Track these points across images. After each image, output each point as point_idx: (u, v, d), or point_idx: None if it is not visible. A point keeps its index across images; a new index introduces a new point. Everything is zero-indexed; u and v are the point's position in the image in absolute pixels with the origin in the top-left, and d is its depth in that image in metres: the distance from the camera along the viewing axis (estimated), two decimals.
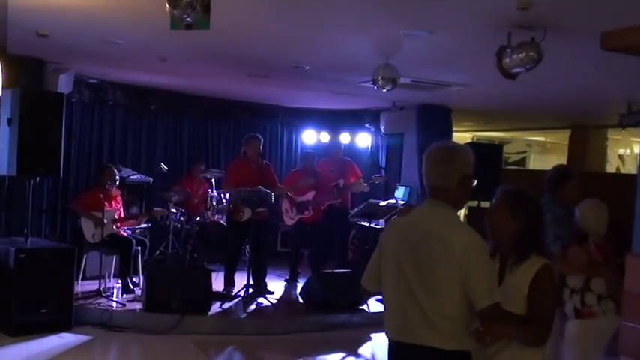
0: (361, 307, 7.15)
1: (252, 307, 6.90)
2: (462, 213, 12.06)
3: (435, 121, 9.36)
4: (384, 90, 5.91)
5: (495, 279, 2.59)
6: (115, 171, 7.49)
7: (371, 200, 8.23)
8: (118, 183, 7.50)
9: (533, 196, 2.80)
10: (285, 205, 8.28)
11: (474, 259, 2.48)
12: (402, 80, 6.05)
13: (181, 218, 8.25)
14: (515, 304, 2.63)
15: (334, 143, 9.64)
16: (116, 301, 6.77)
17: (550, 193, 4.44)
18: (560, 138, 12.93)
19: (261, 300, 7.05)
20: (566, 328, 4.20)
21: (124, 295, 7.04)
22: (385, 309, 2.77)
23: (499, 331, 2.56)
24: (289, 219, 8.34)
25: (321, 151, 9.44)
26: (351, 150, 10.02)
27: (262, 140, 7.63)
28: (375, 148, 10.67)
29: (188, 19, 3.76)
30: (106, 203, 7.15)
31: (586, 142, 11.27)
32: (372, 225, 8.45)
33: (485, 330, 2.49)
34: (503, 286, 2.68)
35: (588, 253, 4.18)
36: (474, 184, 2.64)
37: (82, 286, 7.02)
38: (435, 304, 2.52)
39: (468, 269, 2.46)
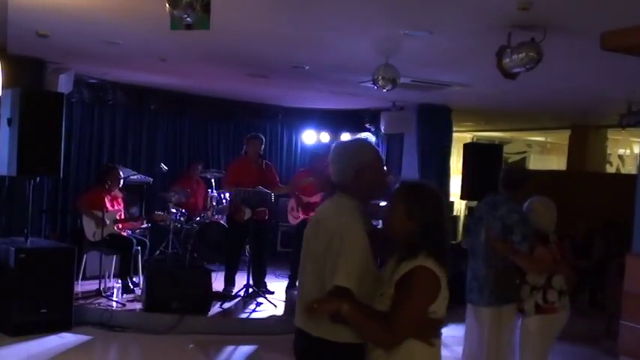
0: None
1: (252, 307, 6.90)
2: (462, 213, 12.11)
3: (435, 121, 9.36)
4: (384, 90, 5.91)
5: (356, 267, 2.48)
6: (121, 173, 7.51)
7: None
8: (121, 184, 7.53)
9: (434, 192, 2.55)
10: (291, 203, 8.25)
11: (339, 241, 2.51)
12: (402, 80, 6.05)
13: (181, 218, 8.25)
14: (385, 302, 2.49)
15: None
16: (116, 301, 6.77)
17: (511, 192, 4.42)
18: (560, 138, 12.94)
19: (261, 300, 7.05)
20: (524, 325, 4.29)
21: (124, 295, 7.05)
22: None
23: (328, 304, 2.43)
24: (293, 218, 8.32)
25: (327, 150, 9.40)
26: None
27: (264, 140, 7.63)
28: None
29: (188, 19, 3.76)
30: (108, 203, 7.16)
31: (586, 142, 11.28)
32: None
33: (317, 300, 2.44)
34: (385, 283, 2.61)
35: (551, 251, 4.28)
36: (378, 172, 2.66)
37: (82, 286, 7.02)
38: (308, 289, 2.63)
39: (332, 251, 2.51)
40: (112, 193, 7.39)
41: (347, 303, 2.41)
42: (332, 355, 2.58)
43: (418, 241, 2.46)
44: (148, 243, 7.78)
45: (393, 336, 2.41)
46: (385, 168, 2.84)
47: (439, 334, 2.52)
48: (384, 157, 9.59)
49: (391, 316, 2.41)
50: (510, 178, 4.48)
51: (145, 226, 8.25)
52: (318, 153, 8.90)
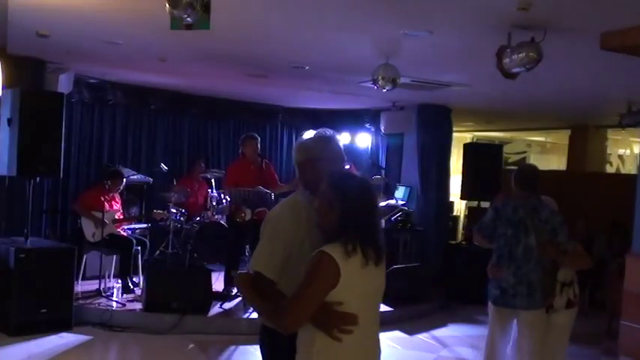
0: None
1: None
2: (462, 213, 12.10)
3: (435, 121, 9.36)
4: (384, 90, 5.91)
5: (271, 254, 2.56)
6: (124, 180, 7.52)
7: None
8: (121, 189, 7.54)
9: (359, 184, 2.52)
10: None
11: (263, 229, 2.67)
12: (402, 80, 6.06)
13: (181, 218, 8.25)
14: None
15: None
16: (116, 301, 6.77)
17: (536, 191, 4.39)
18: (560, 138, 12.94)
19: None
20: (555, 320, 4.36)
21: (124, 295, 7.05)
22: None
23: (244, 284, 2.60)
24: None
25: None
26: (351, 150, 10.01)
27: (259, 139, 7.62)
28: (375, 148, 10.67)
29: (188, 19, 3.76)
30: (106, 204, 7.16)
31: (586, 142, 11.28)
32: None
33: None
34: None
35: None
36: (319, 167, 2.68)
37: (82, 286, 7.02)
38: None
39: None
40: (110, 194, 7.39)
41: (247, 288, 2.54)
42: (270, 341, 2.63)
43: (336, 231, 2.42)
44: (147, 243, 7.78)
45: (285, 319, 2.36)
46: (343, 164, 2.85)
47: (351, 331, 2.36)
48: (384, 157, 9.53)
49: (288, 299, 2.40)
50: (535, 179, 4.44)
51: (144, 225, 8.25)
52: None
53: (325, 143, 2.83)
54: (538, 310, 4.28)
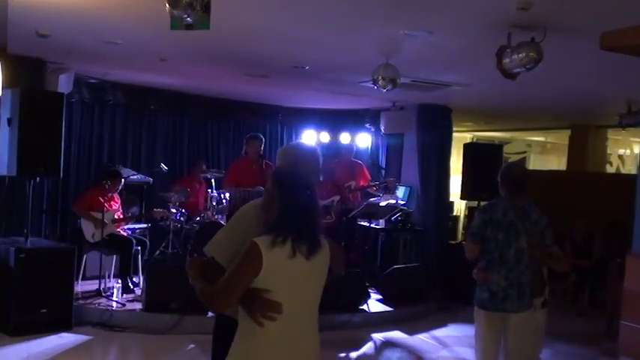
0: (361, 307, 7.16)
1: None
2: (462, 213, 12.11)
3: (435, 121, 9.36)
4: (384, 90, 5.91)
5: (224, 241, 2.82)
6: (122, 180, 7.52)
7: (371, 200, 8.23)
8: (120, 189, 7.54)
9: (296, 180, 2.62)
10: None
11: (230, 219, 2.97)
12: (402, 80, 6.06)
13: (181, 218, 8.24)
14: None
15: (348, 146, 9.62)
16: (116, 301, 6.77)
17: (524, 193, 4.32)
18: (560, 138, 12.94)
19: None
20: (535, 320, 4.27)
21: (124, 295, 7.05)
22: None
23: (192, 267, 2.68)
24: None
25: (333, 151, 9.41)
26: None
27: (263, 140, 7.63)
28: (375, 148, 10.67)
29: (188, 19, 3.76)
30: (105, 204, 7.16)
31: (586, 142, 11.29)
32: (372, 225, 8.45)
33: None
34: None
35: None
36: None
37: (82, 286, 7.02)
38: None
39: None
40: (109, 194, 7.39)
41: (194, 270, 2.64)
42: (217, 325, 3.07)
43: (272, 224, 2.52)
44: (147, 243, 7.77)
45: (213, 300, 2.52)
46: (317, 176, 3.07)
47: (274, 318, 2.45)
48: (384, 157, 9.52)
49: (218, 283, 2.52)
50: (524, 180, 4.37)
51: (144, 225, 8.24)
52: (324, 153, 8.93)
53: (303, 152, 3.10)
54: (527, 312, 4.20)
